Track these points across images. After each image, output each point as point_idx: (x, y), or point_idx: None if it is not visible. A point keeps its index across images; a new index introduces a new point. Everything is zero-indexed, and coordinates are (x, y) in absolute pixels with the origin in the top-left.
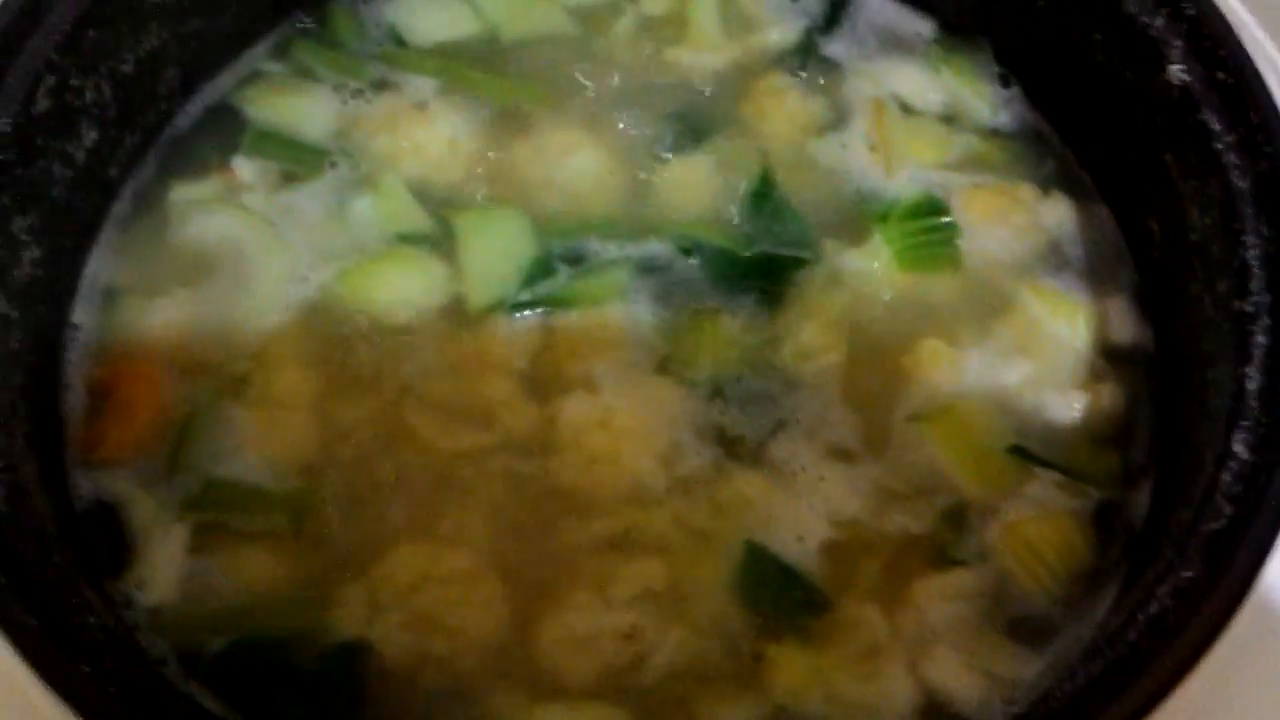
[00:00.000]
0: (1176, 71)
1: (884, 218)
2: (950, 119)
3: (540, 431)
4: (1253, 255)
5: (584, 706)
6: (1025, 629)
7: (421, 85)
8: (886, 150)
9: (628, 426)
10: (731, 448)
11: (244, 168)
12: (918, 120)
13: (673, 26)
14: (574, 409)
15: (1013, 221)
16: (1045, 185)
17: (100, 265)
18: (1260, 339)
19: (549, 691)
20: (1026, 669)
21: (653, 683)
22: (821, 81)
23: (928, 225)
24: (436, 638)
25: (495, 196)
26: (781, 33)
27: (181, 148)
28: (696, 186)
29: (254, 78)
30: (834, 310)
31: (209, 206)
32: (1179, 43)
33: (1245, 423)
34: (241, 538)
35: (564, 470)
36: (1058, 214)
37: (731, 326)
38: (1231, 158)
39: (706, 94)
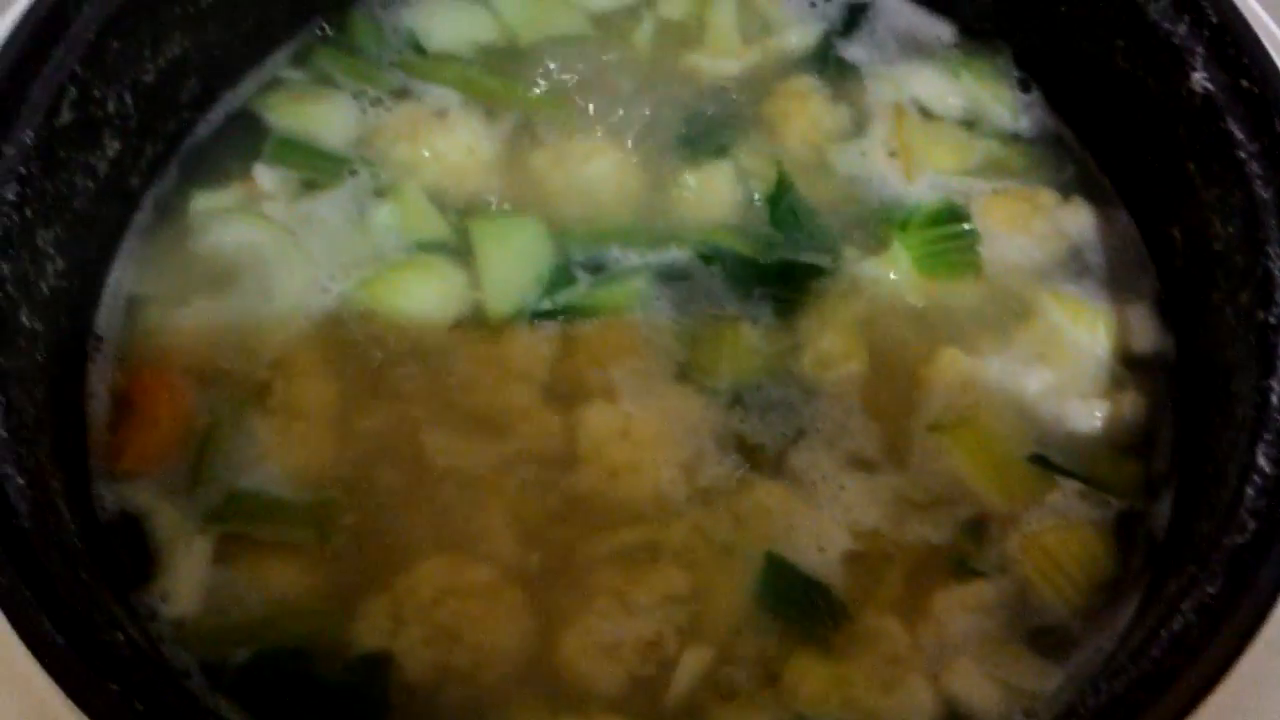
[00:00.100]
0: (1199, 79)
1: (904, 225)
2: (970, 124)
3: (561, 441)
4: (1276, 266)
5: (605, 719)
6: (1046, 640)
7: (441, 93)
8: (906, 156)
9: (649, 436)
10: (752, 457)
11: (265, 176)
12: (937, 125)
13: (691, 31)
14: (595, 418)
15: (1033, 228)
16: (1066, 191)
17: (123, 275)
18: None
19: (571, 704)
20: (1047, 681)
21: (674, 693)
22: (841, 86)
23: (948, 233)
24: (459, 651)
25: (515, 204)
26: (800, 37)
27: (203, 157)
28: (716, 193)
29: (274, 85)
30: (854, 318)
31: (230, 216)
32: (1202, 50)
33: (1269, 436)
34: (265, 549)
35: (586, 481)
36: (1078, 220)
37: (752, 334)
38: (1255, 167)
39: (725, 99)
